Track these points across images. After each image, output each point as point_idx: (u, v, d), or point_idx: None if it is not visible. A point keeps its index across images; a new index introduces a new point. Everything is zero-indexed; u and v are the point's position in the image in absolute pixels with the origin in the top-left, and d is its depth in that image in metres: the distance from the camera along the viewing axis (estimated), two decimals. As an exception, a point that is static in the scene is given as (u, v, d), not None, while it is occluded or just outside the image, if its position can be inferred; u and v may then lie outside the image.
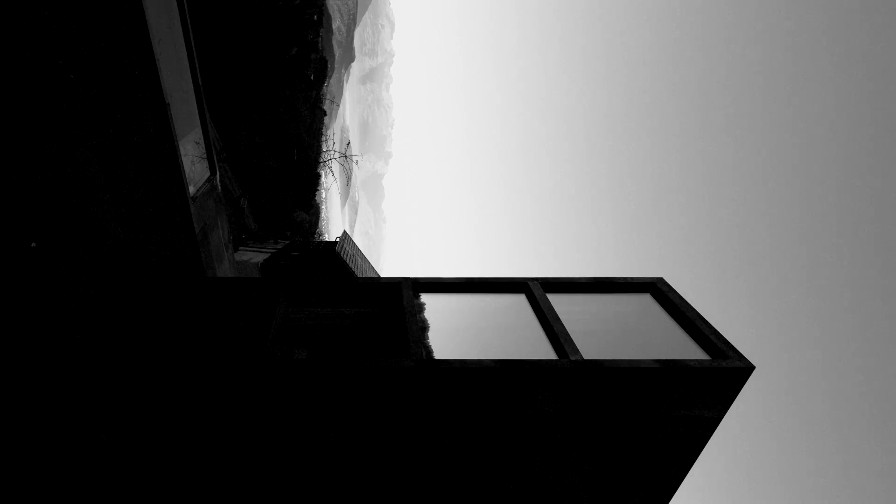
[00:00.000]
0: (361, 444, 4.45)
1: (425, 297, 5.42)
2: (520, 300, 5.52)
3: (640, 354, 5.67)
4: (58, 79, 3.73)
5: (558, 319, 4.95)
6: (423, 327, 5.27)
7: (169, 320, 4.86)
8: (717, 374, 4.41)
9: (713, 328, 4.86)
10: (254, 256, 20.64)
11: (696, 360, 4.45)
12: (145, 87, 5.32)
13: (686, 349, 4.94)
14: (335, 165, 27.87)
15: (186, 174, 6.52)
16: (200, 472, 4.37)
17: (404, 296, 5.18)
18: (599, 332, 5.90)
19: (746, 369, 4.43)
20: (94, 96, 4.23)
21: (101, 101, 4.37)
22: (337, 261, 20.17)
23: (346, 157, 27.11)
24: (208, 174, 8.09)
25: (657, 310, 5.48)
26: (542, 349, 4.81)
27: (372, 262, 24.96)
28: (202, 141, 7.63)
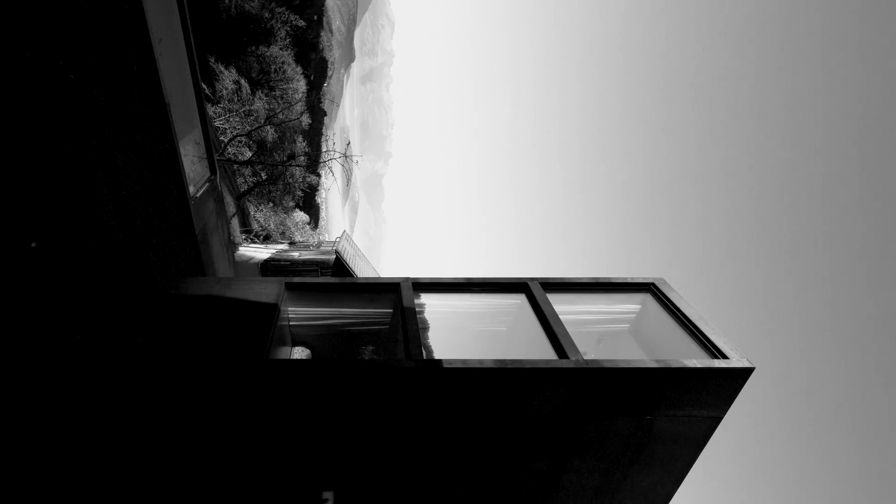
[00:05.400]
0: (362, 445, 4.45)
1: (425, 297, 5.42)
2: (520, 300, 5.52)
3: (640, 354, 5.68)
4: (58, 79, 3.73)
5: (558, 319, 4.95)
6: (423, 327, 5.27)
7: (169, 320, 4.86)
8: (717, 375, 4.42)
9: (713, 328, 4.86)
10: (254, 256, 20.64)
11: (696, 361, 4.45)
12: (145, 87, 5.32)
13: (686, 349, 4.94)
14: (335, 166, 27.88)
15: (186, 174, 6.53)
16: (201, 473, 4.37)
17: (404, 296, 5.18)
18: (599, 332, 5.91)
19: (747, 370, 4.43)
20: (94, 96, 4.23)
21: (102, 101, 4.37)
22: (337, 261, 20.17)
23: (346, 157, 27.11)
24: (208, 174, 8.09)
25: (657, 310, 5.48)
26: (542, 349, 4.81)
27: (372, 262, 24.96)
28: (202, 141, 7.64)
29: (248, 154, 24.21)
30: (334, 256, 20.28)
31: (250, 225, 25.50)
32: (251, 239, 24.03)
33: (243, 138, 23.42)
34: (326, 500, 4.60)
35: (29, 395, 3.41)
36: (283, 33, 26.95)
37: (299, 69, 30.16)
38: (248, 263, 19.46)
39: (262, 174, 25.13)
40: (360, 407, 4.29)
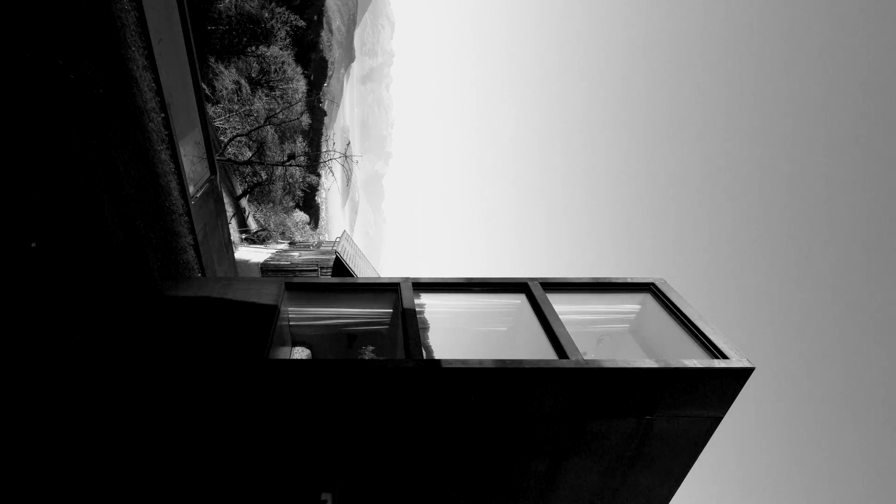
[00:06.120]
0: (361, 446, 4.45)
1: (425, 297, 5.42)
2: (520, 300, 5.52)
3: (640, 354, 5.68)
4: (58, 79, 3.73)
5: (558, 319, 4.95)
6: (424, 327, 5.27)
7: (169, 320, 4.86)
8: (717, 375, 4.42)
9: (713, 328, 4.86)
10: (254, 256, 20.63)
11: (696, 361, 4.45)
12: (145, 87, 5.32)
13: (686, 349, 4.94)
14: (335, 166, 27.87)
15: (186, 174, 6.53)
16: (201, 473, 4.37)
17: (404, 296, 5.18)
18: (599, 332, 5.91)
19: (747, 370, 4.43)
20: (94, 96, 4.23)
21: (102, 100, 4.37)
22: (337, 261, 20.16)
23: (346, 157, 27.11)
24: (208, 174, 8.09)
25: (657, 310, 5.48)
26: (542, 349, 4.81)
27: (372, 262, 24.94)
28: (202, 141, 7.64)
29: (248, 154, 24.20)
30: (334, 256, 20.27)
31: (248, 225, 25.49)
32: (251, 239, 24.03)
33: (243, 138, 23.41)
34: (325, 501, 4.59)
35: (29, 395, 3.41)
36: (283, 33, 26.93)
37: (299, 69, 30.16)
38: (247, 264, 19.46)
39: (262, 174, 25.12)
40: (359, 407, 4.29)
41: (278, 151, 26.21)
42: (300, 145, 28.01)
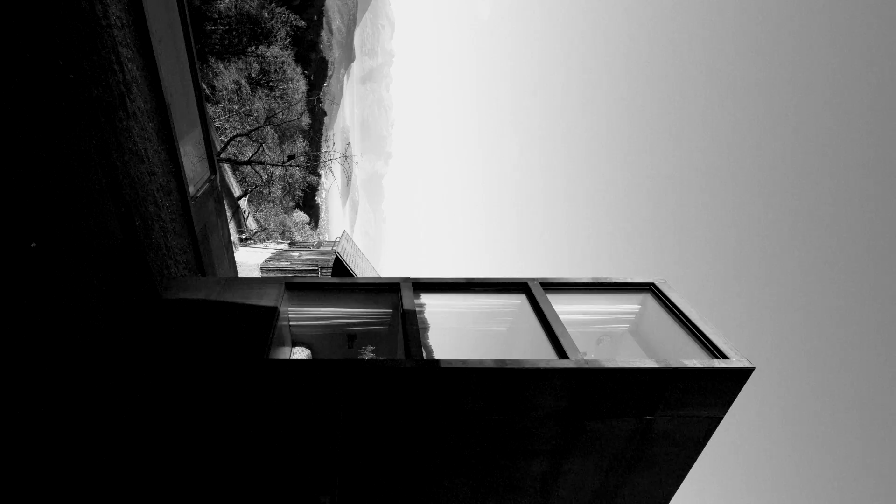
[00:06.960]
0: (360, 446, 4.45)
1: (425, 297, 5.42)
2: (520, 300, 5.52)
3: (640, 354, 5.68)
4: (58, 79, 3.73)
5: (558, 319, 4.95)
6: (424, 327, 5.27)
7: (169, 320, 4.86)
8: (717, 375, 4.42)
9: (713, 328, 4.86)
10: (253, 257, 20.64)
11: (696, 361, 4.45)
12: (145, 87, 5.32)
13: (686, 349, 4.94)
14: (335, 166, 27.88)
15: (186, 174, 6.52)
16: (199, 475, 4.37)
17: (404, 296, 5.18)
18: (599, 332, 5.91)
19: (747, 370, 4.43)
20: (94, 96, 4.23)
21: (101, 101, 4.37)
22: (337, 261, 20.16)
23: (346, 157, 27.15)
24: (208, 174, 8.09)
25: (657, 310, 5.48)
26: (542, 349, 4.81)
27: (372, 262, 24.94)
28: (202, 141, 7.63)
29: (249, 154, 24.22)
30: (334, 257, 20.27)
31: (245, 226, 25.51)
32: (252, 240, 24.04)
33: (243, 138, 23.42)
34: (324, 503, 4.60)
35: (29, 395, 3.41)
36: (283, 33, 26.95)
37: (299, 69, 30.19)
38: (247, 264, 19.46)
39: (262, 174, 25.15)
40: (359, 408, 4.29)
41: (278, 151, 26.23)
42: (300, 145, 28.05)
